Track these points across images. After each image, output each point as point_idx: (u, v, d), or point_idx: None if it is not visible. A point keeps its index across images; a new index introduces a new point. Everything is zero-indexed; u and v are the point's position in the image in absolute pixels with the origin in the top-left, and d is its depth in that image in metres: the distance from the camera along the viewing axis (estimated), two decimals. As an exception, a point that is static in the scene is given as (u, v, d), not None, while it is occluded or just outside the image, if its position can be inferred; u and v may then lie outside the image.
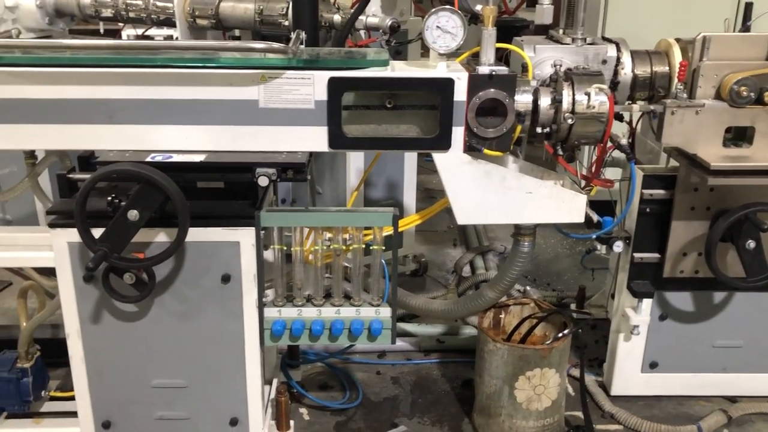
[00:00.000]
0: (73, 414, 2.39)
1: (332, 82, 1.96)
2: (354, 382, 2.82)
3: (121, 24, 5.02)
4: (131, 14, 3.22)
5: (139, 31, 4.91)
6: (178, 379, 2.21)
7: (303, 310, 2.18)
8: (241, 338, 2.16)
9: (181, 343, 2.17)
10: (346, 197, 3.40)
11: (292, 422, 2.43)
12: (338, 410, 2.68)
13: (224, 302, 2.13)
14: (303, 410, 2.67)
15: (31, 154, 2.40)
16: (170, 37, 6.16)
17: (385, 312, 2.18)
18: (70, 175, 2.12)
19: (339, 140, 2.03)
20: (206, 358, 2.18)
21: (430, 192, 4.94)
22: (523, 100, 2.07)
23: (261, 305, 2.14)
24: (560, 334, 2.39)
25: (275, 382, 2.55)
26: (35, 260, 2.17)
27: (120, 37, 5.73)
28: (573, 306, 3.32)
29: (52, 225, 2.04)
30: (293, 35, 2.06)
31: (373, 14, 2.84)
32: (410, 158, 3.45)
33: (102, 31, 7.27)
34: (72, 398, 2.46)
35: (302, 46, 2.09)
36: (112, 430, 2.26)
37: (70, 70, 1.96)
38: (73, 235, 2.02)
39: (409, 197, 3.50)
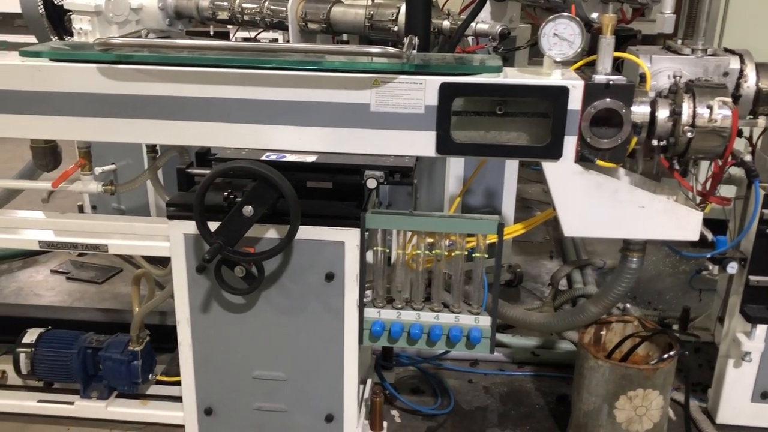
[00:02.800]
0: (177, 398, 2.50)
1: (444, 87, 1.97)
2: (446, 388, 2.81)
3: (232, 26, 5.24)
4: (246, 17, 3.35)
5: (247, 34, 5.11)
6: (279, 371, 2.27)
7: (402, 312, 2.19)
8: (340, 336, 2.20)
9: (283, 337, 2.23)
10: (444, 202, 3.39)
11: (385, 423, 2.45)
12: (429, 415, 2.67)
13: (327, 300, 2.17)
14: (394, 412, 2.68)
15: (152, 148, 2.53)
16: (275, 41, 6.39)
17: (485, 321, 2.16)
18: (189, 170, 2.22)
19: (447, 146, 2.03)
20: (306, 353, 2.24)
21: (526, 202, 4.87)
22: (640, 111, 2.01)
23: (362, 305, 2.17)
24: (666, 355, 2.30)
25: (369, 382, 2.58)
26: (152, 249, 2.27)
27: (229, 40, 5.98)
28: (675, 327, 3.18)
29: (170, 216, 2.14)
30: (406, 40, 2.08)
31: (483, 21, 2.84)
32: (511, 166, 3.41)
33: (212, 32, 7.62)
34: (176, 383, 2.58)
35: (414, 51, 2.10)
36: (213, 416, 2.34)
37: (192, 69, 2.06)
38: (189, 227, 2.12)
39: (508, 206, 3.46)
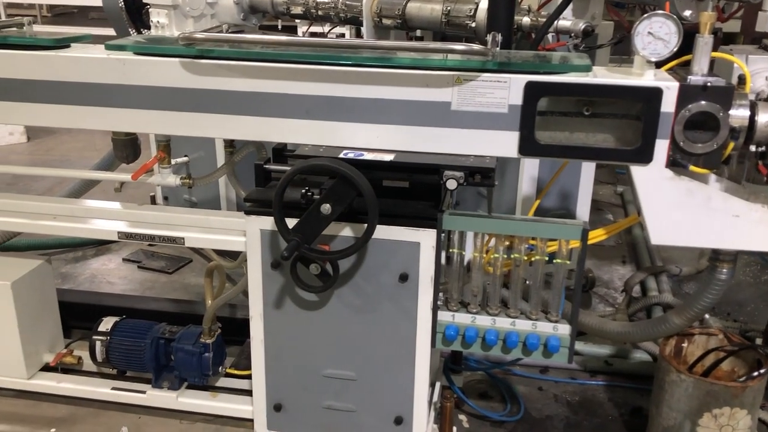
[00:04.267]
0: (246, 392, 2.51)
1: (529, 86, 1.90)
2: (515, 394, 2.74)
3: (302, 21, 5.26)
4: (319, 12, 3.33)
5: (314, 29, 5.11)
6: (349, 371, 2.25)
7: (477, 317, 2.13)
8: (413, 338, 2.16)
9: (355, 336, 2.20)
10: (516, 204, 3.31)
11: (454, 428, 2.40)
12: (498, 422, 2.61)
13: (400, 301, 2.14)
14: (462, 417, 2.63)
15: (230, 143, 2.54)
16: (341, 36, 6.39)
17: (564, 329, 2.09)
18: (267, 166, 2.22)
19: (530, 147, 1.96)
20: (377, 353, 2.21)
21: (597, 204, 4.73)
22: (738, 114, 1.89)
23: (435, 307, 2.12)
24: (757, 373, 2.18)
25: (438, 385, 2.54)
26: (227, 243, 2.28)
27: (296, 34, 6.01)
28: (758, 340, 3.03)
29: (248, 212, 2.14)
30: (489, 37, 2.02)
31: (565, 17, 2.74)
32: (588, 168, 3.30)
33: (280, 27, 7.68)
34: (245, 377, 2.60)
35: (497, 49, 2.04)
36: (282, 412, 2.34)
37: (272, 65, 2.05)
38: (266, 222, 2.11)
39: (583, 209, 3.35)
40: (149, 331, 2.59)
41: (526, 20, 2.70)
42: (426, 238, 2.06)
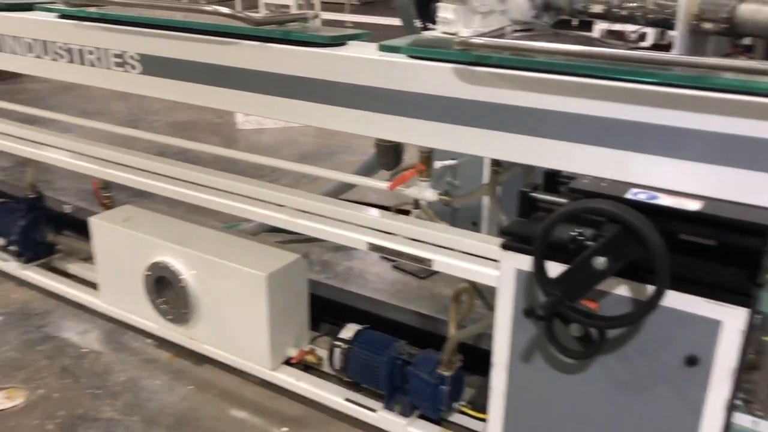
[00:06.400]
0: (480, 438, 2.24)
1: None
2: None
3: (598, 21, 4.78)
4: (623, 12, 2.88)
5: (607, 26, 4.57)
6: (602, 455, 1.85)
7: (790, 431, 1.60)
8: (692, 438, 1.70)
9: (615, 417, 1.80)
10: None
11: None
12: None
13: (683, 389, 1.68)
14: None
15: (497, 161, 2.26)
16: (642, 36, 5.74)
17: None
18: (533, 194, 1.89)
19: None
20: (640, 444, 1.78)
21: None
22: None
23: (731, 407, 1.63)
24: None
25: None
26: (478, 275, 2.01)
27: (591, 31, 5.51)
28: None
29: (504, 246, 1.84)
30: None
31: None
32: None
33: (574, 23, 7.19)
34: (481, 419, 2.33)
35: None
36: (515, 478, 2.03)
37: (558, 78, 1.72)
38: (524, 262, 1.80)
39: None
40: (388, 348, 2.44)
41: None
42: (731, 318, 1.58)
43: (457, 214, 3.58)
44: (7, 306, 3.26)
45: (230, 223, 3.47)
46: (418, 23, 3.22)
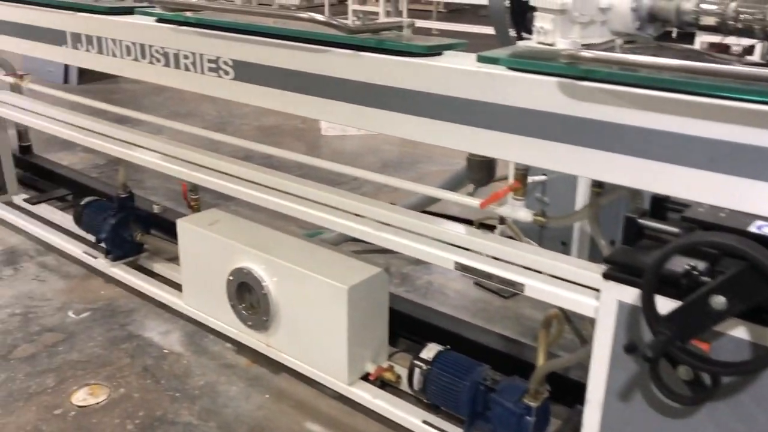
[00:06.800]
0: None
1: None
2: None
3: (701, 34, 4.51)
4: (739, 24, 2.68)
5: (711, 38, 4.31)
6: None
7: None
8: (814, 502, 1.51)
9: (723, 471, 1.63)
10: None
11: None
12: None
13: (805, 447, 1.50)
14: None
15: (599, 184, 2.12)
16: (749, 49, 5.38)
17: None
18: (641, 220, 1.75)
19: None
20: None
21: None
22: None
23: None
24: None
25: None
26: (576, 304, 1.88)
27: (692, 43, 5.23)
28: None
29: (607, 276, 1.71)
30: None
31: None
32: None
33: (674, 35, 6.86)
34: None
35: None
36: None
37: (672, 95, 1.58)
38: (628, 294, 1.66)
39: None
40: (471, 372, 2.34)
41: None
42: None
43: (545, 232, 3.43)
44: (95, 302, 3.34)
45: (312, 231, 3.44)
46: (512, 32, 3.10)
